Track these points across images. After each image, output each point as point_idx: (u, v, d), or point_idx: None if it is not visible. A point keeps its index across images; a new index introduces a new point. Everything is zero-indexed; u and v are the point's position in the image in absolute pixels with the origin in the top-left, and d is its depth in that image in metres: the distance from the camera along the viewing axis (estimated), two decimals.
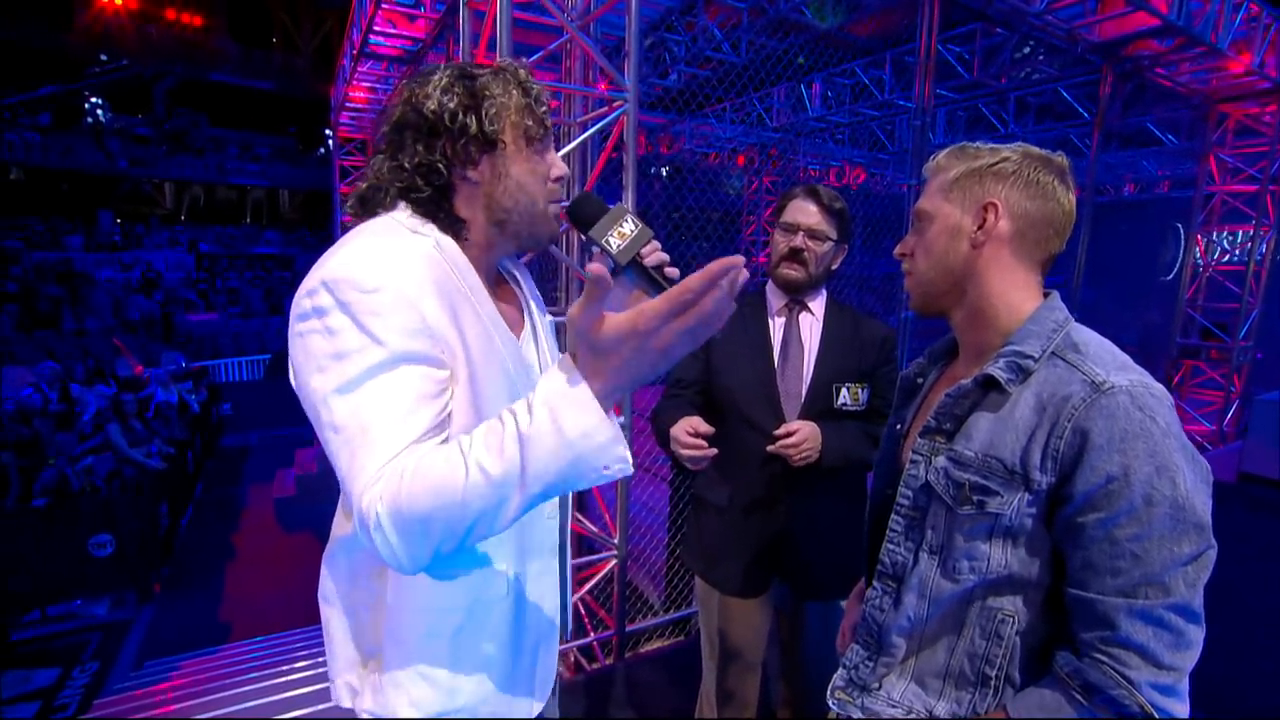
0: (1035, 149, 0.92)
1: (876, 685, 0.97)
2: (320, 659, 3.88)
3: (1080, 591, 0.80)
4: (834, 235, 1.55)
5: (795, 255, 1.54)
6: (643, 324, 0.66)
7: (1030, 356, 0.86)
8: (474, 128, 0.88)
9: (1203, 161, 5.67)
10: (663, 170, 8.53)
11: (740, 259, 0.65)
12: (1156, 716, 0.76)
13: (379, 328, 0.77)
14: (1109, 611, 0.77)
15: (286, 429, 9.92)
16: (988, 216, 0.91)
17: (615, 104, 2.23)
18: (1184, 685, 0.79)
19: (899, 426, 1.07)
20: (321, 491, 6.96)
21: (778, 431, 1.44)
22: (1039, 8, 3.85)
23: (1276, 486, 5.16)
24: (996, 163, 0.91)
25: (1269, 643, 2.97)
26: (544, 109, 0.94)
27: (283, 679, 3.55)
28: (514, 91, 0.91)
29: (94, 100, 17.53)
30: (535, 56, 2.50)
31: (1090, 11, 4.03)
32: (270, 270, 18.85)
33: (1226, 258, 5.90)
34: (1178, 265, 5.98)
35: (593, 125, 2.28)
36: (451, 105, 0.88)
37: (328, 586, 0.97)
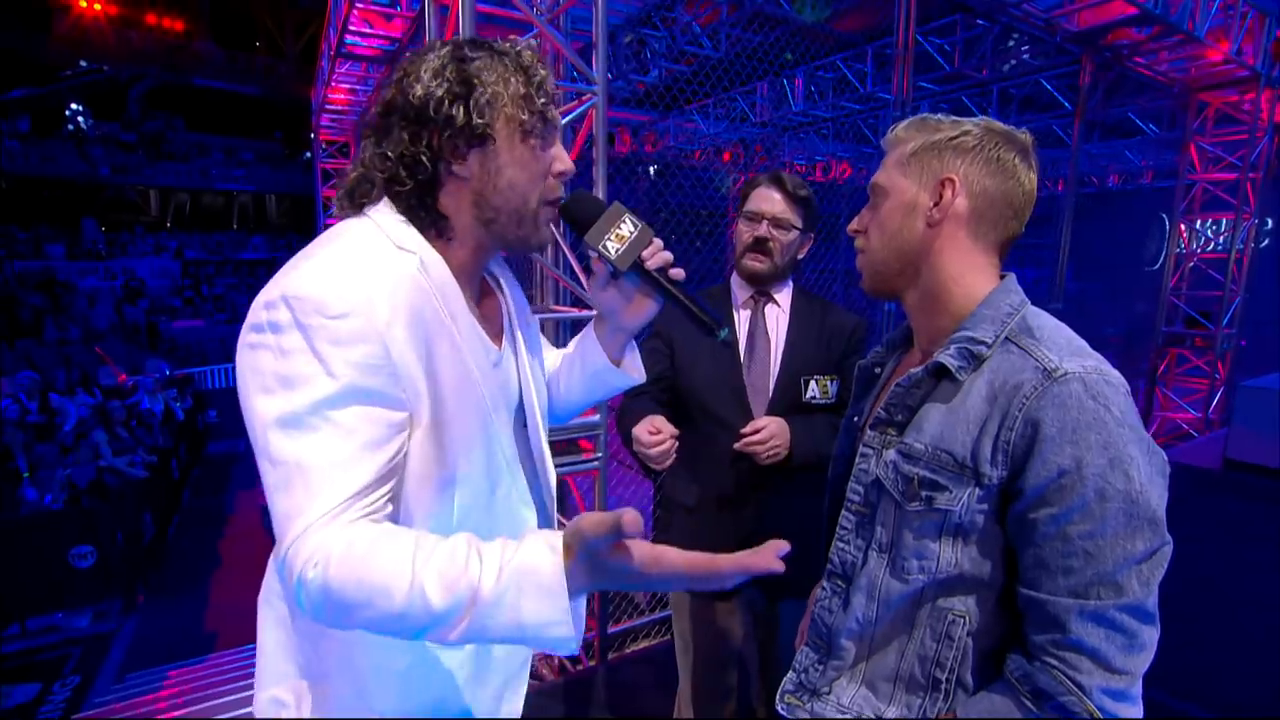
0: (999, 124, 0.87)
1: (826, 689, 0.93)
2: None
3: (1032, 592, 0.77)
4: (799, 224, 1.51)
5: (760, 245, 1.49)
6: (656, 570, 0.63)
7: (983, 342, 0.81)
8: (461, 119, 0.78)
9: (1183, 150, 5.69)
10: (650, 169, 8.50)
11: (779, 565, 0.65)
12: None
13: (336, 359, 0.70)
14: (1060, 613, 0.74)
15: None
16: (945, 193, 0.85)
17: (585, 97, 2.20)
18: (1137, 689, 0.75)
19: (856, 419, 1.02)
20: None
21: (744, 429, 1.40)
22: None
23: (1262, 473, 5.18)
24: (956, 136, 0.85)
25: (1256, 631, 2.97)
26: (545, 99, 0.83)
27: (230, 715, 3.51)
28: (512, 79, 0.80)
29: (74, 107, 17.34)
30: None
31: (1068, 1, 4.03)
32: (257, 275, 18.73)
33: (1210, 246, 5.93)
34: (1163, 255, 6.00)
35: (562, 120, 2.25)
36: (439, 93, 0.78)
37: (271, 594, 0.88)
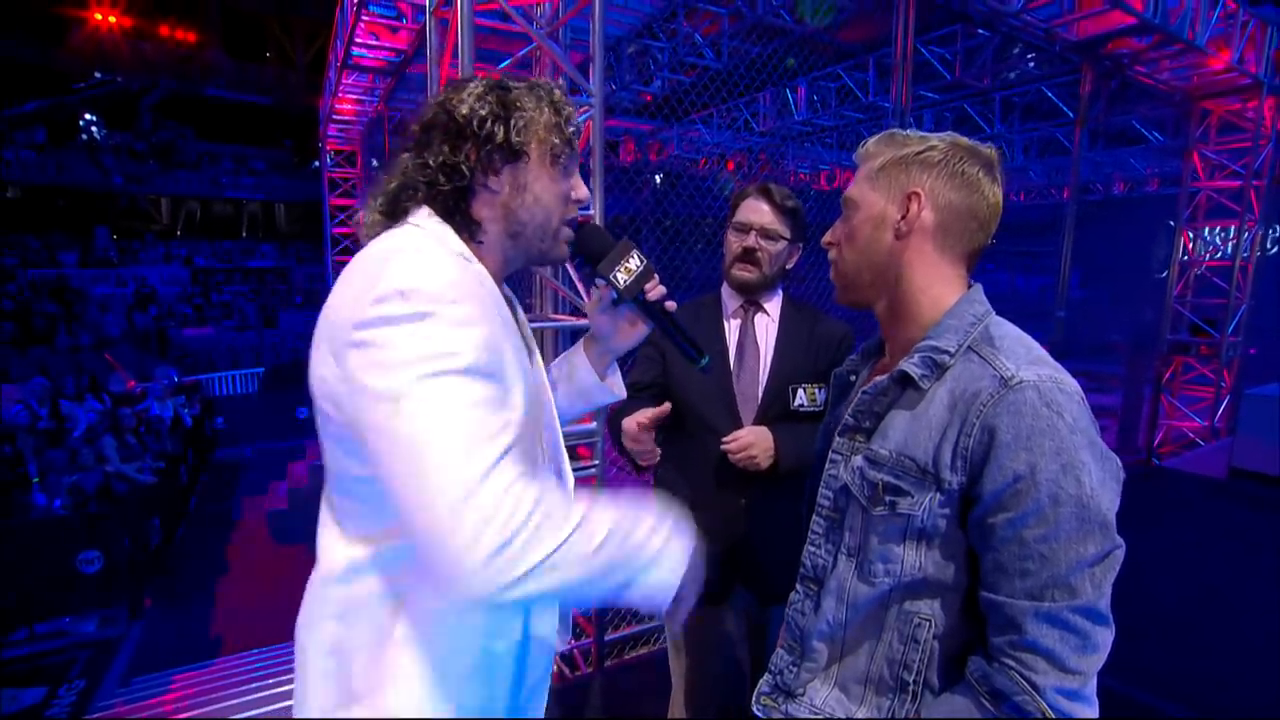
0: (964, 140, 0.90)
1: (800, 691, 0.95)
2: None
3: (991, 594, 0.79)
4: (787, 234, 1.53)
5: (748, 256, 1.51)
6: None
7: (946, 351, 0.84)
8: (500, 136, 0.88)
9: (1187, 158, 5.68)
10: (656, 178, 8.55)
11: None
12: None
13: (461, 340, 0.76)
14: (1016, 615, 0.76)
15: (279, 442, 9.91)
16: (911, 206, 0.88)
17: (582, 109, 2.24)
18: (1090, 688, 0.77)
19: (832, 426, 1.05)
20: (313, 504, 6.94)
21: (724, 439, 1.42)
22: (1016, 7, 3.87)
23: (1267, 482, 5.14)
24: (922, 151, 0.89)
25: (1259, 639, 2.95)
26: (573, 130, 0.94)
27: (275, 690, 3.54)
28: (545, 109, 0.91)
29: (89, 117, 17.60)
30: (505, 63, 2.52)
31: (1067, 10, 4.05)
32: (265, 283, 18.89)
33: (1217, 254, 5.90)
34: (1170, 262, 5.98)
35: None
36: (483, 112, 0.88)
37: (318, 618, 0.88)
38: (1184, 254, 5.87)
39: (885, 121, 7.15)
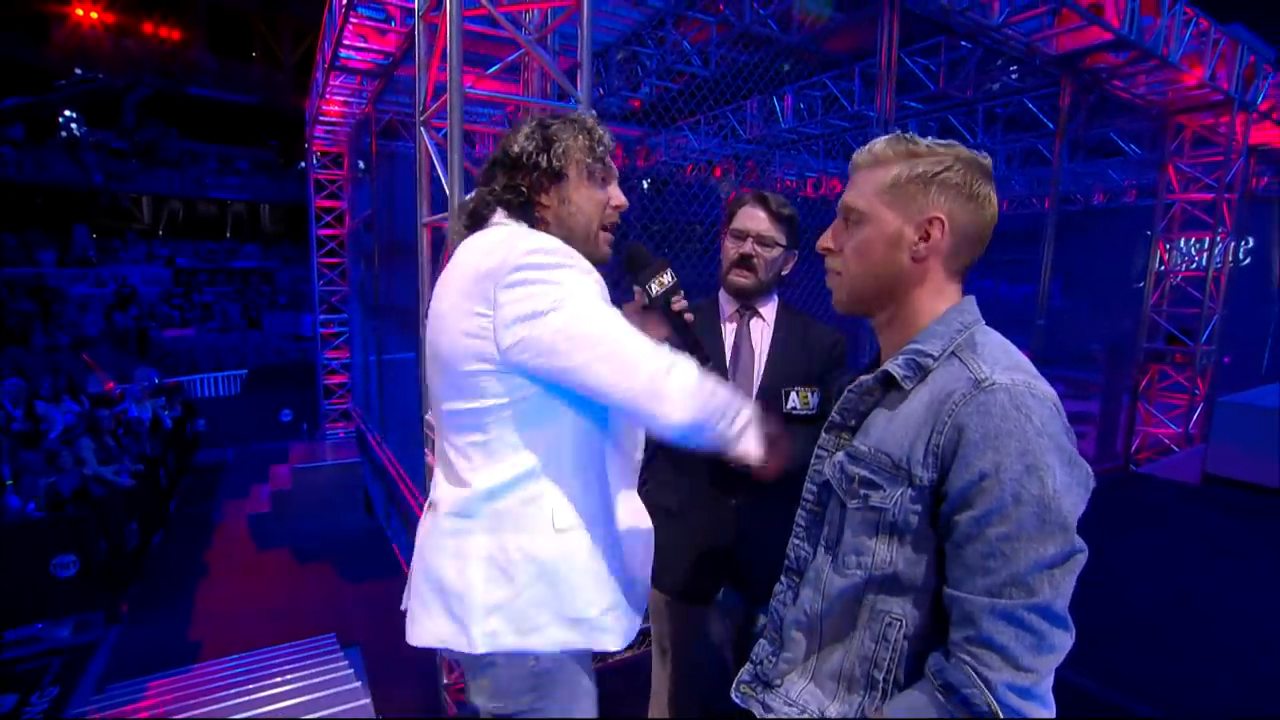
0: (967, 152, 0.90)
1: (778, 682, 0.97)
2: (296, 673, 3.82)
3: (954, 591, 0.80)
4: (783, 241, 1.57)
5: (745, 262, 1.56)
6: None
7: (930, 355, 0.87)
8: (545, 163, 1.14)
9: (1162, 171, 5.82)
10: (644, 183, 8.58)
11: None
12: (1002, 717, 0.75)
13: (590, 282, 1.07)
14: (974, 610, 0.77)
15: (262, 444, 9.79)
16: (933, 232, 0.88)
17: None
18: (1044, 687, 0.78)
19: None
20: (296, 507, 6.87)
21: None
22: (998, 21, 3.95)
23: (1240, 487, 5.26)
24: (940, 172, 0.88)
25: (1233, 642, 3.00)
26: (604, 150, 1.19)
27: (256, 696, 3.49)
28: (580, 136, 1.16)
29: (68, 113, 17.32)
30: (494, 69, 2.53)
31: (1047, 25, 4.14)
32: (249, 284, 18.68)
33: (1192, 265, 6.04)
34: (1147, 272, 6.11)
35: None
36: (530, 147, 1.15)
37: (480, 529, 1.10)
38: (1160, 264, 6.00)
39: (870, 130, 7.24)
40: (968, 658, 0.78)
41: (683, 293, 1.25)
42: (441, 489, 1.17)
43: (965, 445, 0.79)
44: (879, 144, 0.92)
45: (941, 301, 0.91)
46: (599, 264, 1.20)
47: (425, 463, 2.53)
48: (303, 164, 19.94)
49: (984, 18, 3.88)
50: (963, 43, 4.94)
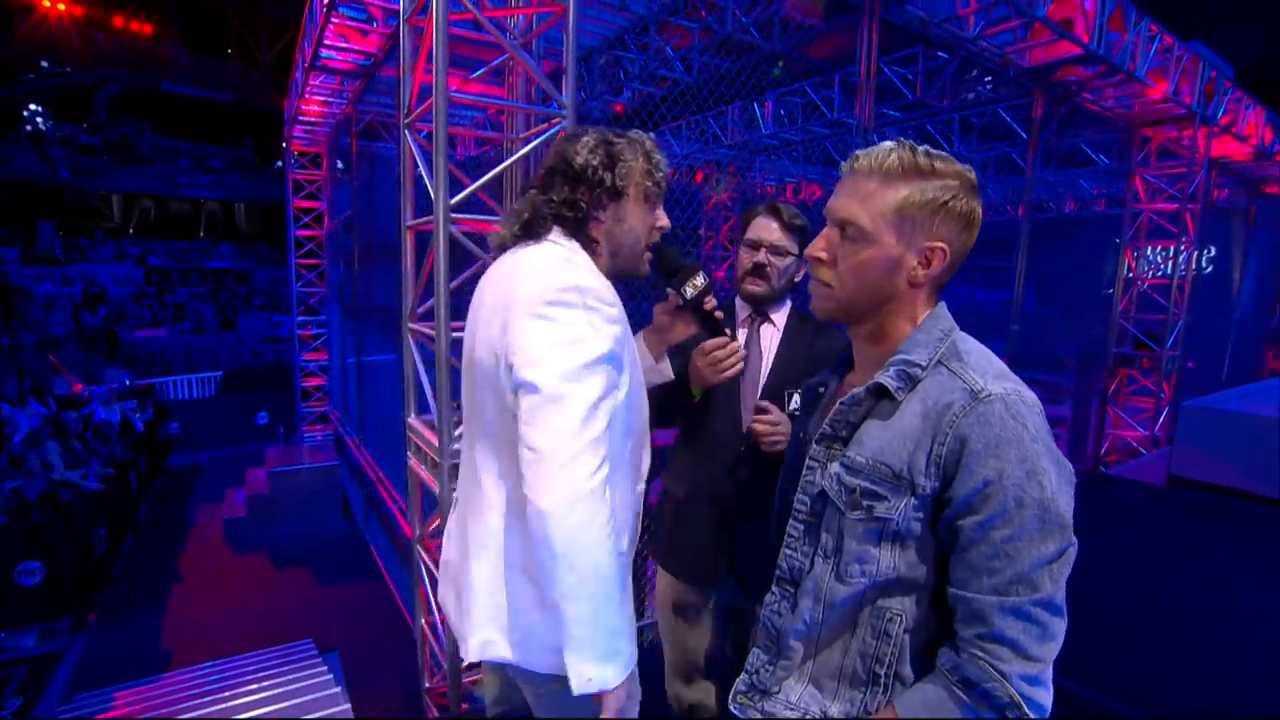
0: (968, 173, 0.91)
1: (776, 689, 0.98)
2: (273, 679, 3.76)
3: (960, 591, 0.84)
4: (795, 250, 1.63)
5: (758, 270, 1.62)
6: None
7: (918, 365, 0.89)
8: (609, 181, 1.18)
9: (1129, 181, 5.99)
10: None
11: None
12: (1023, 705, 0.80)
13: (605, 332, 1.08)
14: (984, 609, 0.81)
15: (237, 447, 9.62)
16: (934, 260, 0.91)
17: (554, 120, 2.27)
18: (1048, 674, 0.83)
19: (802, 435, 1.09)
20: (272, 511, 6.77)
21: (756, 414, 1.46)
22: (973, 33, 4.04)
23: (1204, 489, 5.42)
24: (948, 200, 0.88)
25: (1198, 641, 3.09)
26: (661, 174, 1.23)
27: (231, 704, 3.43)
28: (640, 159, 1.20)
29: (33, 108, 16.85)
30: (478, 72, 2.53)
31: (1020, 39, 4.24)
32: (224, 284, 18.33)
33: (1158, 272, 6.23)
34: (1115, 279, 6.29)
35: (532, 141, 2.32)
36: (595, 162, 1.17)
37: (489, 535, 1.16)
38: (1128, 271, 6.18)
39: (849, 138, 7.36)
40: (981, 653, 0.82)
41: (713, 294, 1.36)
42: (491, 493, 1.18)
43: (969, 455, 0.82)
44: (889, 157, 0.89)
45: (922, 311, 0.95)
46: (636, 277, 1.27)
47: (408, 465, 2.52)
48: (280, 163, 19.68)
49: (960, 30, 3.98)
50: (940, 53, 5.04)
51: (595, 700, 1.03)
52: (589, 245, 1.20)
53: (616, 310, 1.13)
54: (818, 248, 0.96)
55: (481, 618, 1.16)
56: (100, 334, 13.40)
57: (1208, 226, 6.18)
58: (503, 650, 1.15)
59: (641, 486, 1.30)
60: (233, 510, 6.93)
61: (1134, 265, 6.20)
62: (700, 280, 1.32)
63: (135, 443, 7.67)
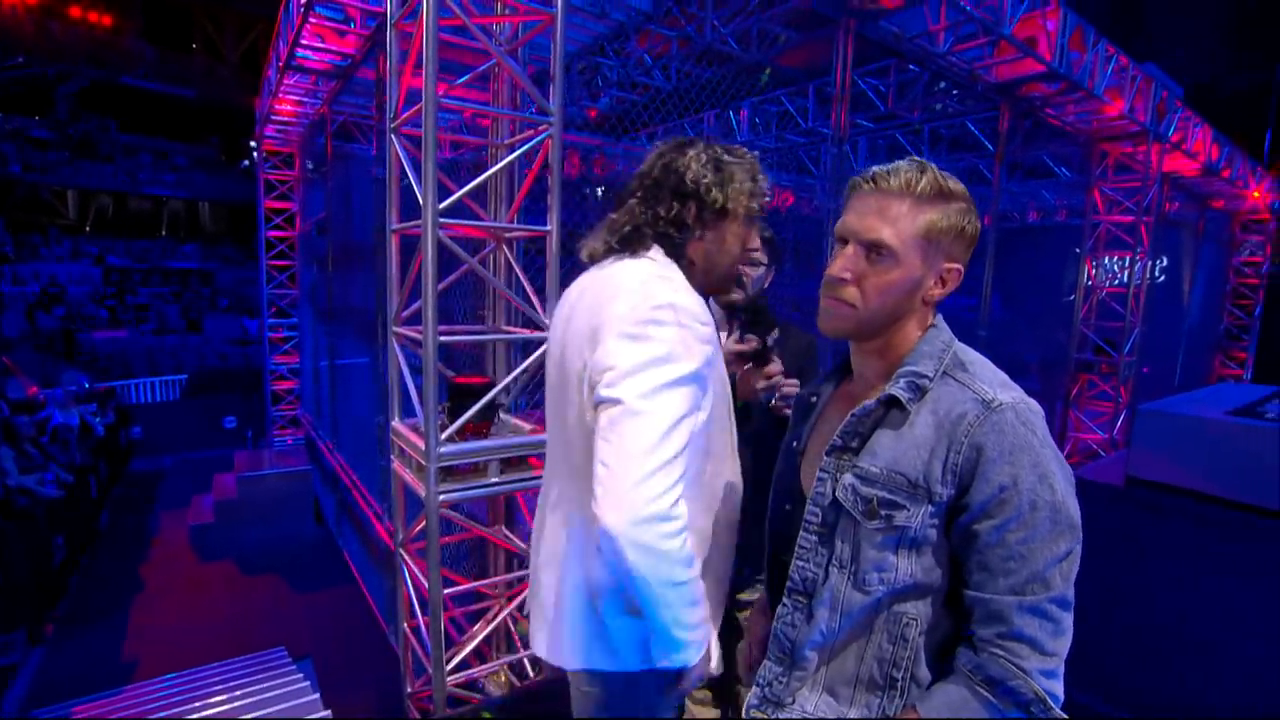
0: (966, 190, 0.95)
1: (790, 699, 0.99)
2: (245, 688, 3.68)
3: (977, 593, 0.87)
4: (765, 260, 1.76)
5: (738, 281, 1.70)
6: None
7: (926, 376, 0.92)
8: (720, 201, 1.16)
9: (1089, 193, 6.24)
10: (598, 190, 8.64)
11: None
12: (1047, 699, 0.84)
13: (696, 351, 1.07)
14: (1003, 609, 0.84)
15: (203, 452, 9.36)
16: (949, 280, 0.95)
17: (541, 127, 2.29)
18: (1061, 668, 0.87)
19: (795, 444, 1.09)
20: (242, 517, 6.61)
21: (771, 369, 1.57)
22: (944, 49, 4.18)
23: (1160, 489, 5.65)
24: (965, 225, 0.93)
25: (1155, 638, 3.21)
26: (766, 198, 1.22)
27: (201, 715, 3.35)
28: (748, 180, 1.18)
29: None
30: (464, 78, 2.55)
31: (988, 55, 4.41)
32: (189, 285, 17.83)
33: (1115, 281, 6.48)
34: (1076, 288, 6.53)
35: (520, 147, 2.34)
36: (706, 179, 1.15)
37: (585, 552, 1.16)
38: (1088, 280, 6.42)
39: (823, 146, 7.51)
40: (1001, 652, 0.85)
41: (778, 359, 1.55)
42: (561, 492, 1.21)
43: (985, 463, 0.86)
44: (922, 180, 0.91)
45: (924, 323, 0.99)
46: (721, 295, 1.29)
47: (392, 469, 2.51)
48: (247, 162, 19.22)
49: (931, 45, 4.11)
50: (911, 66, 5.20)
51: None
52: (685, 263, 1.18)
53: (709, 330, 1.11)
54: (842, 268, 0.96)
55: (534, 609, 1.24)
56: (57, 335, 12.92)
57: (1161, 238, 6.46)
58: (542, 647, 1.23)
59: (726, 511, 1.26)
60: (200, 516, 6.75)
61: (1093, 274, 6.45)
62: (773, 336, 1.52)
63: (96, 448, 7.42)
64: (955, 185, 0.93)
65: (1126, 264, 6.18)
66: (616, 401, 1.01)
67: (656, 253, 1.17)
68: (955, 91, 5.58)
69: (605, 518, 0.97)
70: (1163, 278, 8.01)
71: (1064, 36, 4.30)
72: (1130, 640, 3.16)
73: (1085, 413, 6.60)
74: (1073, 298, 6.49)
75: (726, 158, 1.17)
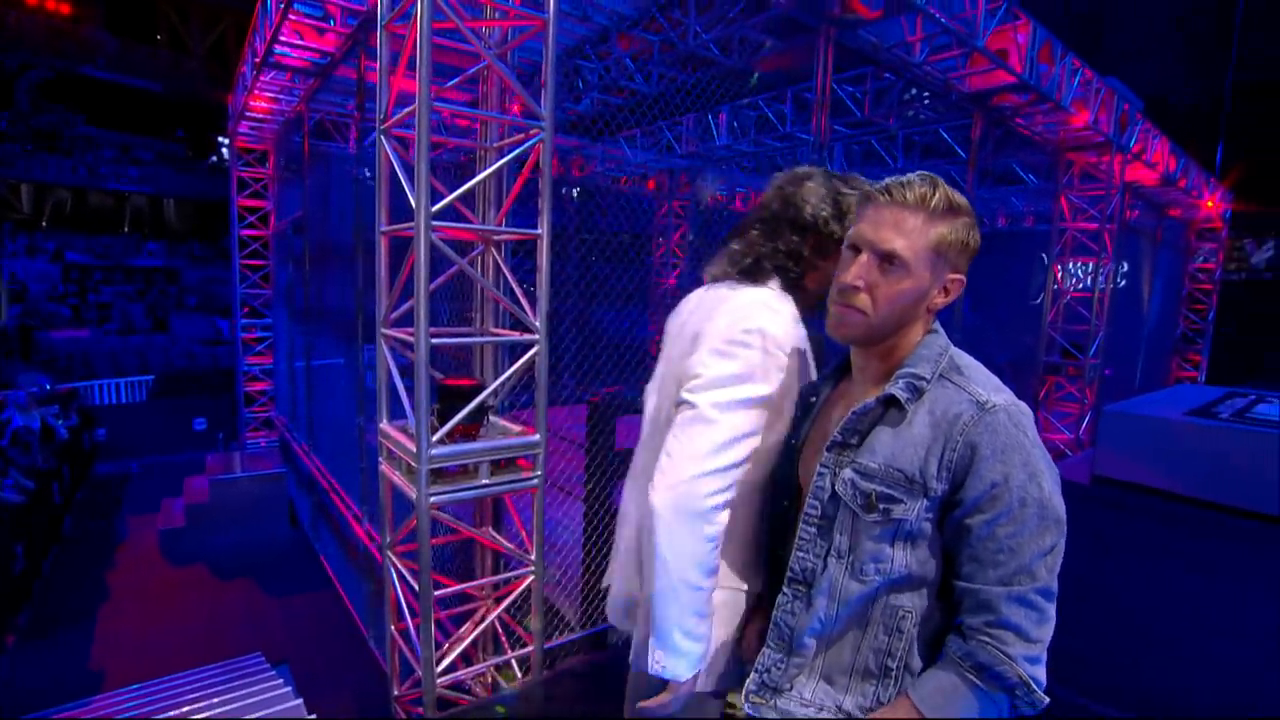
0: (969, 204, 1.00)
1: (788, 686, 1.03)
2: (221, 696, 3.61)
3: (967, 584, 0.93)
4: None
5: None
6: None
7: (923, 378, 0.98)
8: (837, 234, 1.20)
9: (1056, 200, 6.44)
10: (574, 192, 8.65)
11: None
12: (1031, 683, 0.90)
13: (774, 377, 1.15)
14: (992, 599, 0.90)
15: (172, 455, 9.12)
16: (952, 290, 1.01)
17: (532, 131, 2.30)
18: (1045, 654, 0.93)
19: (794, 441, 1.15)
20: (214, 521, 6.46)
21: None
22: (919, 59, 4.30)
23: (1124, 487, 5.87)
24: (969, 238, 0.99)
25: (1119, 634, 3.32)
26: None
27: (197, 717, 3.29)
28: (860, 210, 1.14)
29: None
30: (454, 80, 2.55)
31: (961, 66, 4.53)
32: (154, 283, 17.32)
33: (1081, 285, 6.70)
34: (1043, 292, 6.73)
35: (510, 151, 2.35)
36: (825, 213, 1.22)
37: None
38: (1055, 284, 6.63)
39: (801, 150, 7.62)
40: (989, 639, 0.91)
41: None
42: (640, 485, 1.27)
43: (979, 460, 0.92)
44: (935, 195, 0.97)
45: (924, 328, 1.05)
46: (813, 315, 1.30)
47: (380, 471, 2.50)
48: (215, 158, 18.74)
49: (907, 55, 4.22)
50: (887, 75, 5.31)
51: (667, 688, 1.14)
52: (798, 297, 1.24)
53: (796, 362, 1.18)
54: (855, 276, 1.00)
55: (615, 568, 1.39)
56: (13, 334, 12.46)
57: (1123, 245, 6.69)
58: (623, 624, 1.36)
59: (746, 553, 1.26)
60: (170, 521, 6.58)
61: (1060, 279, 6.66)
62: None
63: (58, 451, 7.20)
64: (962, 200, 1.00)
65: (1091, 269, 6.39)
66: (693, 405, 1.12)
67: (775, 283, 1.24)
68: (929, 99, 5.71)
69: (655, 498, 1.09)
70: (1124, 283, 8.30)
71: (1034, 49, 4.44)
72: (1105, 634, 3.27)
73: (1053, 414, 6.81)
74: (1040, 301, 6.68)
75: (844, 189, 1.24)
